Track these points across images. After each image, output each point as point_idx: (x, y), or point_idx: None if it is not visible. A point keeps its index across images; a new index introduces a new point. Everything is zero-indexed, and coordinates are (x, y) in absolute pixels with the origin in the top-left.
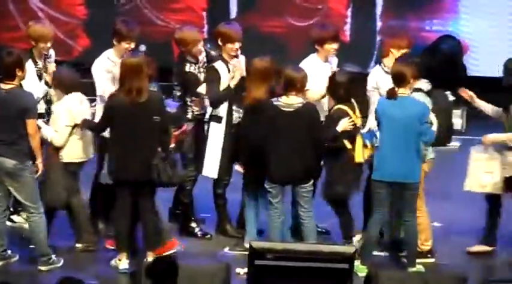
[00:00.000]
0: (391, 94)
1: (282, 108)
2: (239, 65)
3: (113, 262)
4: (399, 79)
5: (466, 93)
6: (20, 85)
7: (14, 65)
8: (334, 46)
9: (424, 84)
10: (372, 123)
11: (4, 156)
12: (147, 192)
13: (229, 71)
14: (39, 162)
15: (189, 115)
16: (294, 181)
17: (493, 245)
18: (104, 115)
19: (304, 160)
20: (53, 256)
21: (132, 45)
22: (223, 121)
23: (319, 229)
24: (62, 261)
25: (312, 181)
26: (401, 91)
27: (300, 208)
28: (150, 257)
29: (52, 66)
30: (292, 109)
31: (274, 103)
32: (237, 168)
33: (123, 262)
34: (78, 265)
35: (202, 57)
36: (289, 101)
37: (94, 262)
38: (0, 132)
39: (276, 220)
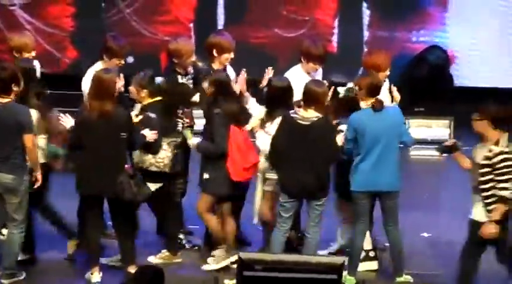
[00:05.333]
0: (378, 106)
1: (298, 121)
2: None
3: (86, 276)
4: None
5: None
6: None
7: (9, 80)
8: (317, 67)
9: None
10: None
11: (1, 171)
12: (119, 207)
13: None
14: (38, 174)
15: (180, 127)
16: (307, 195)
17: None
18: (73, 131)
19: (317, 175)
20: (17, 270)
21: (123, 62)
22: None
23: None
24: (24, 274)
25: (326, 197)
26: None
27: (309, 220)
28: (131, 270)
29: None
30: (307, 123)
31: (291, 115)
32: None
33: (95, 276)
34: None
35: (190, 69)
36: (307, 115)
37: (75, 274)
38: None
39: (281, 234)
